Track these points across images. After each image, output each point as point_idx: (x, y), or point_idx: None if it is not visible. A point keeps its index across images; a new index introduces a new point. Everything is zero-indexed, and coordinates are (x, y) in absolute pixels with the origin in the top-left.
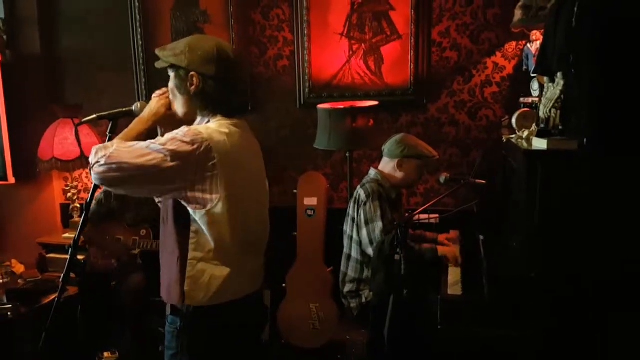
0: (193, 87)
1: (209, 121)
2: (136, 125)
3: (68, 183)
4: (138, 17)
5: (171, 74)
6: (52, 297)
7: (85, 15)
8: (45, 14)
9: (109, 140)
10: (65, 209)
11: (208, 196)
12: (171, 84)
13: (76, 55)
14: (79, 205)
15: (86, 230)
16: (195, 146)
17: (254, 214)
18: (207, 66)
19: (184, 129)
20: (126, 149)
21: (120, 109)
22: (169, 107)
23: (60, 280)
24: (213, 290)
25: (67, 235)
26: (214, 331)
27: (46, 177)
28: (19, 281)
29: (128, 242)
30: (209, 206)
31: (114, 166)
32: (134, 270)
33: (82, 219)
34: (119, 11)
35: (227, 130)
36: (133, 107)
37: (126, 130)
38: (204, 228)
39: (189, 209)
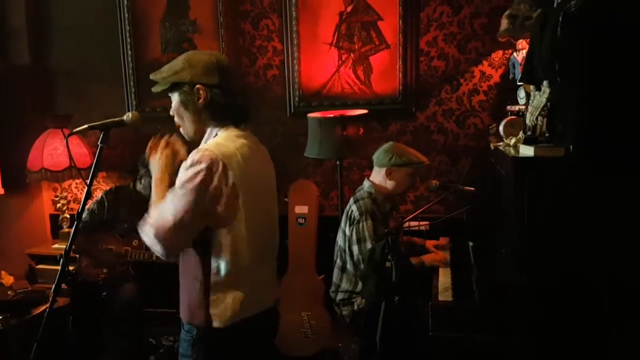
0: (201, 99)
1: (216, 134)
2: (158, 187)
3: (57, 194)
4: (128, 27)
5: (174, 94)
6: (43, 308)
7: (75, 26)
8: (34, 24)
9: (100, 151)
10: (54, 219)
11: (231, 214)
12: (175, 104)
13: (66, 66)
14: (68, 216)
15: (78, 240)
16: (213, 168)
17: (267, 224)
18: (210, 76)
19: (194, 155)
20: (161, 216)
21: (112, 119)
22: (174, 155)
23: (52, 291)
24: (237, 309)
25: (56, 246)
26: (234, 341)
27: (35, 187)
28: (9, 292)
29: (120, 253)
30: (233, 223)
31: (165, 242)
32: (126, 281)
33: (73, 229)
34: (109, 22)
35: (237, 144)
36: (124, 117)
37: (152, 196)
38: (224, 248)
39: (214, 230)
